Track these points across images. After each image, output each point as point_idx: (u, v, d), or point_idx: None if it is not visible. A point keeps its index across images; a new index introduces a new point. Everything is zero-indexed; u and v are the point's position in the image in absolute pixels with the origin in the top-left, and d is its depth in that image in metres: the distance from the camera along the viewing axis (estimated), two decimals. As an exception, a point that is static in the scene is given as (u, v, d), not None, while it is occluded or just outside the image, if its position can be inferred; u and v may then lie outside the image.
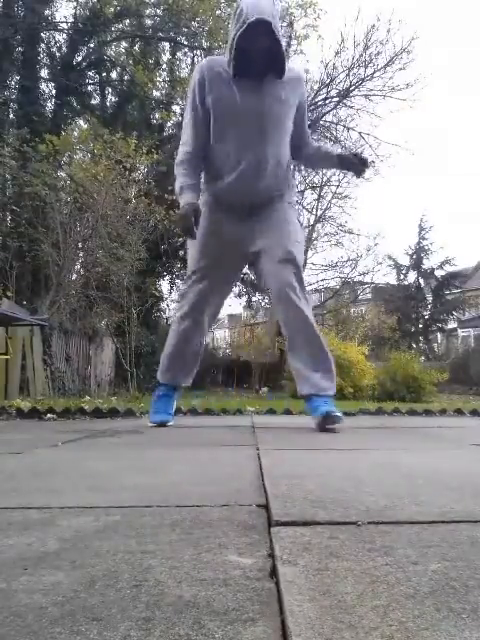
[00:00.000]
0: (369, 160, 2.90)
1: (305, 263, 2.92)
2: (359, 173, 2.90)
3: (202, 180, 2.85)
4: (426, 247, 22.74)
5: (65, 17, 13.51)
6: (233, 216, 2.79)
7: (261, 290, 12.92)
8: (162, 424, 2.80)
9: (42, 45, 12.50)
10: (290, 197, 2.97)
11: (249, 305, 17.44)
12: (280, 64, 2.64)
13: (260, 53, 2.59)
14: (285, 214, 2.82)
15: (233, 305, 23.15)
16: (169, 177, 11.19)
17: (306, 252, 3.04)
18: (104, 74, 13.79)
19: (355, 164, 2.82)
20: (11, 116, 11.62)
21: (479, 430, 3.02)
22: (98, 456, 1.82)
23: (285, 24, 12.13)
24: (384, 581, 0.67)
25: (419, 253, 22.71)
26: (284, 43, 2.72)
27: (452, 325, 23.26)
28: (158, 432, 2.67)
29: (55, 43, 12.91)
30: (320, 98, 12.82)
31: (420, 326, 22.33)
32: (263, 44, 2.56)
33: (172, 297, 13.66)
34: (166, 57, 13.91)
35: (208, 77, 2.66)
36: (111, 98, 14.17)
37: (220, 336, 25.81)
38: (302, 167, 13.11)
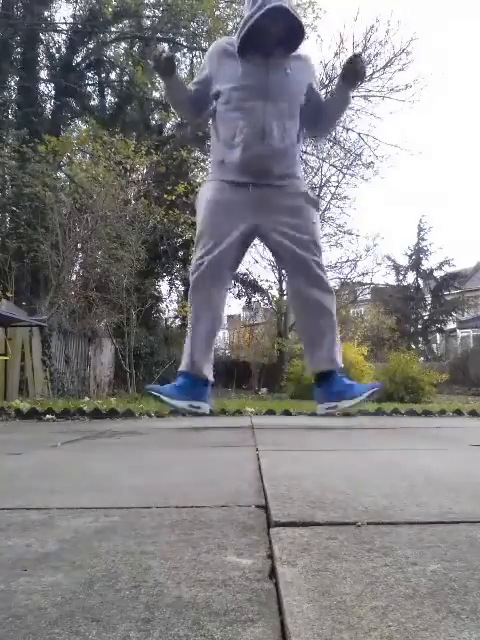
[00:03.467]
0: (358, 56, 2.90)
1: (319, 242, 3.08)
2: (357, 74, 2.90)
3: (211, 165, 3.00)
4: (425, 248, 22.74)
5: (64, 18, 13.55)
6: (240, 196, 2.83)
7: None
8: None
9: (41, 46, 12.50)
10: (300, 179, 3.02)
11: (248, 306, 17.45)
12: (296, 41, 2.76)
13: (273, 34, 2.70)
14: (303, 213, 2.87)
15: (232, 306, 23.16)
16: (169, 178, 11.22)
17: (315, 223, 3.13)
18: (103, 75, 13.80)
19: (349, 69, 2.85)
20: (10, 117, 11.62)
21: (478, 430, 3.02)
22: (97, 457, 1.82)
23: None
24: (383, 582, 0.67)
25: (418, 254, 22.71)
26: (303, 21, 2.83)
27: (451, 326, 23.25)
28: (157, 433, 2.67)
29: (54, 44, 12.92)
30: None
31: (419, 327, 22.33)
32: (278, 28, 2.68)
33: (171, 298, 13.66)
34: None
35: (221, 56, 2.83)
36: (110, 99, 14.17)
37: (219, 337, 25.78)
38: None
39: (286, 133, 2.82)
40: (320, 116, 3.01)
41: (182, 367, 2.89)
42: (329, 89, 13.00)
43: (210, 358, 2.92)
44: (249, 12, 2.64)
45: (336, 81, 2.96)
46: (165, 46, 3.00)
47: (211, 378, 2.91)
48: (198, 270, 2.82)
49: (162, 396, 2.83)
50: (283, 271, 3.09)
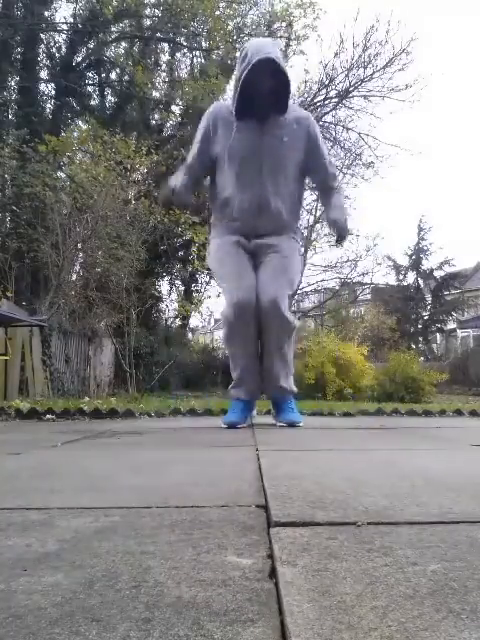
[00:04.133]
0: (347, 235, 3.09)
1: (299, 284, 3.19)
2: (337, 241, 3.07)
3: (213, 220, 3.11)
4: (425, 248, 22.73)
5: (64, 18, 13.55)
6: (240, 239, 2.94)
7: None
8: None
9: (42, 46, 12.50)
10: (296, 233, 3.11)
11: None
12: (284, 101, 2.76)
13: (265, 94, 2.73)
14: (285, 252, 2.94)
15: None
16: (169, 178, 11.21)
17: (304, 262, 3.19)
18: (103, 75, 13.79)
19: (337, 234, 3.00)
20: (11, 117, 11.62)
21: (478, 430, 3.02)
22: (97, 457, 1.82)
23: (285, 24, 12.13)
24: (383, 582, 0.67)
25: (418, 254, 22.70)
26: (289, 74, 2.89)
27: (451, 326, 23.25)
28: (157, 433, 2.67)
29: (54, 44, 12.92)
30: (319, 99, 12.83)
31: (419, 327, 22.33)
32: (268, 84, 2.70)
33: (172, 297, 13.67)
34: (165, 57, 13.92)
35: (214, 120, 2.86)
36: (110, 99, 14.17)
37: (220, 336, 25.80)
38: None
39: (284, 201, 2.89)
40: (326, 197, 3.10)
41: (242, 395, 2.95)
42: (328, 90, 13.01)
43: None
44: (239, 70, 2.68)
45: (332, 214, 3.03)
46: (171, 186, 3.09)
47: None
48: (234, 311, 2.82)
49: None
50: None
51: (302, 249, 3.30)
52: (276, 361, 2.89)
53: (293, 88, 12.77)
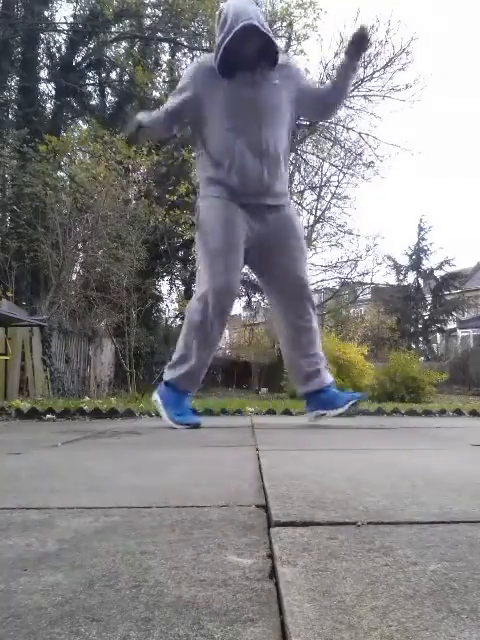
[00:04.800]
0: (364, 30, 2.79)
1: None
2: (361, 47, 2.82)
3: (204, 181, 2.90)
4: (425, 248, 22.71)
5: (65, 18, 13.55)
6: (242, 214, 2.80)
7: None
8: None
9: (42, 46, 12.50)
10: (289, 200, 3.01)
11: (249, 305, 17.46)
12: (272, 55, 2.72)
13: (250, 51, 2.69)
14: (295, 232, 2.91)
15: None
16: (169, 178, 11.22)
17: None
18: (104, 75, 13.79)
19: (355, 43, 2.77)
20: (11, 117, 11.62)
21: (479, 430, 3.02)
22: (97, 457, 1.82)
23: (285, 24, 12.12)
24: (383, 581, 0.67)
25: (418, 253, 22.69)
26: (272, 35, 2.80)
27: (451, 325, 23.24)
28: (157, 433, 2.67)
29: (55, 44, 12.91)
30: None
31: (419, 326, 22.32)
32: (252, 45, 2.66)
33: (172, 297, 13.67)
34: (166, 57, 13.92)
35: (202, 77, 2.77)
36: (111, 98, 14.17)
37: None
38: (301, 167, 13.14)
39: (279, 145, 2.81)
40: (325, 98, 2.96)
41: (172, 379, 2.82)
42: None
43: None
44: (220, 37, 2.62)
45: (342, 55, 2.89)
46: (134, 121, 2.99)
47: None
48: (218, 294, 2.74)
49: (163, 411, 2.83)
50: (267, 286, 3.04)
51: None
52: (317, 345, 2.90)
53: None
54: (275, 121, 2.78)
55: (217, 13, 2.77)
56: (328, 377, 2.96)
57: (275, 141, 2.77)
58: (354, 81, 3.14)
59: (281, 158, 2.83)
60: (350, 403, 2.91)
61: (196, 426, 2.75)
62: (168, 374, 2.86)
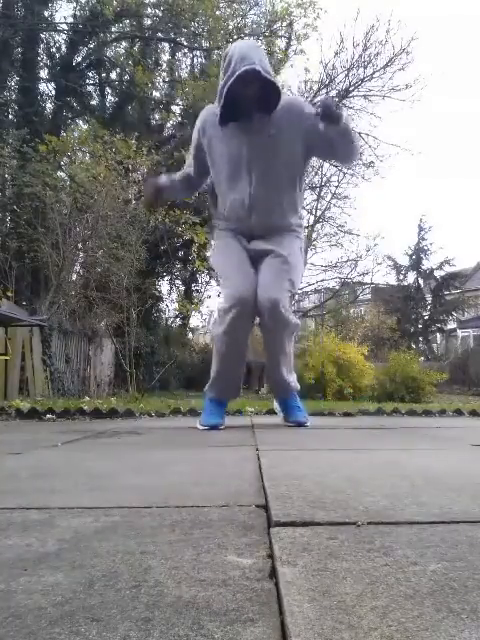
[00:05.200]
0: (332, 106, 2.60)
1: (300, 282, 3.11)
2: (330, 118, 2.59)
3: (214, 219, 3.10)
4: (425, 247, 22.70)
5: (65, 17, 13.54)
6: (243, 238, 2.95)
7: None
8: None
9: (42, 46, 12.47)
10: (296, 228, 3.02)
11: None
12: (273, 101, 2.69)
13: (251, 98, 2.69)
14: (286, 250, 2.88)
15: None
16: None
17: (305, 262, 3.15)
18: (104, 75, 13.77)
19: (324, 114, 2.57)
20: (11, 117, 11.61)
21: (479, 430, 3.02)
22: (97, 457, 1.82)
23: (285, 24, 12.12)
24: (383, 581, 0.67)
25: (418, 253, 22.68)
26: (277, 81, 2.75)
27: (452, 325, 23.23)
28: (157, 433, 2.67)
29: (55, 44, 12.89)
30: (320, 98, 12.82)
31: (420, 326, 22.30)
32: (253, 90, 2.65)
33: (172, 297, 13.67)
34: (166, 57, 13.91)
35: (203, 126, 2.87)
36: (111, 99, 14.16)
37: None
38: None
39: (278, 199, 2.84)
40: (333, 147, 2.84)
41: (214, 394, 2.94)
42: (328, 89, 13.01)
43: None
44: (223, 81, 2.64)
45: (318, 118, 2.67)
46: (154, 183, 3.07)
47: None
48: (235, 307, 2.77)
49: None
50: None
51: (303, 245, 3.18)
52: (279, 361, 2.89)
53: (293, 87, 12.81)
54: (270, 172, 2.80)
55: (222, 56, 2.79)
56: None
57: (270, 192, 2.81)
58: (352, 140, 2.87)
59: (280, 205, 2.86)
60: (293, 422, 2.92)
61: (213, 427, 2.78)
62: (206, 387, 3.01)
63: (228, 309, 2.74)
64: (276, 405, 3.24)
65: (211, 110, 2.90)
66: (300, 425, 2.87)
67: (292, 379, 2.98)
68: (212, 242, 3.12)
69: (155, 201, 3.23)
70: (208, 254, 3.22)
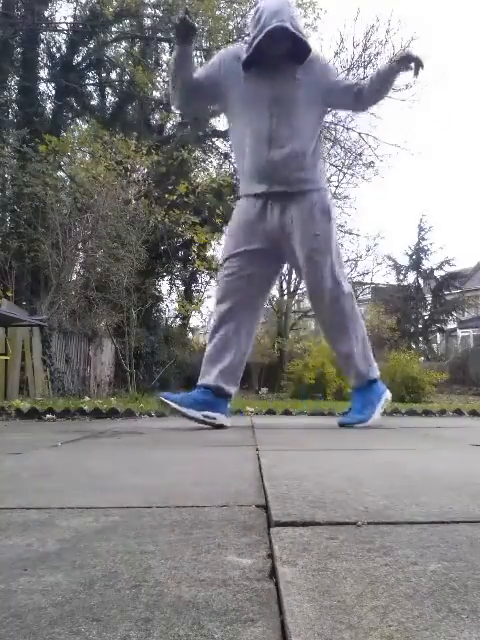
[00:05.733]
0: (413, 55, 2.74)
1: (338, 253, 2.98)
2: (414, 68, 2.73)
3: (237, 167, 3.07)
4: (426, 247, 22.70)
5: (65, 17, 13.52)
6: (266, 213, 2.83)
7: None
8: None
9: (42, 46, 12.47)
10: (318, 181, 2.93)
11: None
12: (303, 54, 2.71)
13: (280, 51, 2.69)
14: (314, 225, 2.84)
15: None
16: (169, 178, 11.21)
17: (335, 218, 3.12)
18: (104, 75, 13.77)
19: (404, 62, 2.72)
20: (11, 117, 11.61)
21: (479, 430, 3.02)
22: (98, 457, 1.82)
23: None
24: (383, 581, 0.67)
25: (418, 253, 22.68)
26: (305, 37, 2.83)
27: (452, 325, 23.24)
28: (157, 433, 2.67)
29: (55, 43, 12.89)
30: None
31: (420, 326, 22.31)
32: (282, 46, 2.66)
33: (172, 297, 13.67)
34: (166, 57, 13.90)
35: (229, 60, 2.80)
36: (111, 99, 14.16)
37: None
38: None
39: (298, 136, 2.79)
40: (359, 99, 2.89)
41: (204, 381, 2.87)
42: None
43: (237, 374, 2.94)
44: (252, 34, 2.65)
45: (384, 68, 2.83)
46: (190, 15, 2.94)
47: (233, 392, 2.95)
48: (225, 285, 2.83)
49: (175, 405, 2.78)
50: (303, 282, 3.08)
51: (328, 203, 2.97)
52: (344, 339, 2.89)
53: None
54: (292, 113, 2.77)
55: (254, 9, 2.79)
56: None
57: (292, 132, 2.77)
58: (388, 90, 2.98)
59: (302, 149, 2.80)
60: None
61: (212, 424, 2.79)
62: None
63: (217, 304, 2.85)
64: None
65: (233, 53, 2.85)
66: (344, 425, 2.87)
67: (364, 367, 2.92)
68: (236, 207, 2.99)
69: (186, 32, 2.82)
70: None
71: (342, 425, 2.87)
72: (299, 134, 2.80)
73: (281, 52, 2.70)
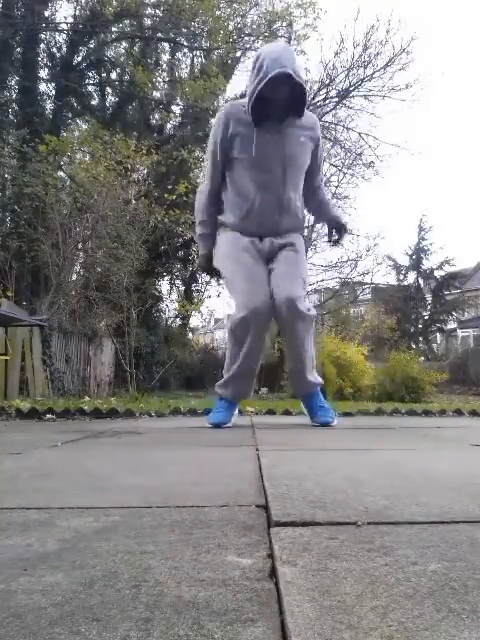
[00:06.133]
0: (347, 231, 3.20)
1: (307, 279, 3.13)
2: (334, 241, 3.16)
3: (223, 215, 3.01)
4: (426, 247, 22.72)
5: (65, 17, 13.51)
6: (254, 240, 2.93)
7: None
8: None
9: (42, 45, 12.47)
10: (302, 228, 3.18)
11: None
12: (300, 106, 2.78)
13: (280, 101, 2.73)
14: (297, 253, 2.97)
15: (233, 306, 23.13)
16: (169, 177, 11.21)
17: (306, 261, 3.34)
18: (104, 74, 13.77)
19: (337, 232, 3.11)
20: (11, 116, 11.61)
21: (479, 430, 3.02)
22: (98, 456, 1.82)
23: (285, 24, 12.13)
24: (383, 581, 0.67)
25: (419, 253, 22.69)
26: (307, 87, 2.93)
27: (452, 325, 23.24)
28: (157, 433, 2.67)
29: (55, 43, 12.89)
30: (320, 98, 12.82)
31: (420, 326, 22.31)
32: (283, 93, 2.70)
33: (172, 297, 13.68)
34: (166, 57, 13.91)
35: (232, 122, 2.82)
36: (111, 98, 14.16)
37: (220, 336, 25.81)
38: None
39: (299, 199, 2.94)
40: (309, 200, 3.12)
41: (224, 394, 2.95)
42: (328, 89, 13.01)
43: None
44: (254, 82, 2.66)
45: (330, 212, 3.20)
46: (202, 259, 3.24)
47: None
48: (249, 310, 2.78)
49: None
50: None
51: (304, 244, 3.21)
52: (300, 357, 2.90)
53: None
54: (296, 173, 2.89)
55: (254, 58, 2.81)
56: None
57: (296, 195, 2.91)
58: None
59: (298, 203, 2.95)
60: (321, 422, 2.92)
61: (216, 425, 2.83)
62: (219, 385, 3.01)
63: (241, 319, 2.76)
64: (302, 405, 3.20)
65: (236, 107, 2.88)
66: (326, 425, 2.87)
67: (314, 377, 2.98)
68: (220, 237, 3.02)
69: (209, 269, 3.13)
70: (215, 250, 3.03)
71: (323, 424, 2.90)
72: (298, 194, 2.94)
73: (283, 100, 2.73)
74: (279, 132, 2.79)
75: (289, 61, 2.65)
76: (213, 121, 2.99)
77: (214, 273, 3.14)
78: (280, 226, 2.91)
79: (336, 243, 3.18)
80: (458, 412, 4.02)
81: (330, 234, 3.17)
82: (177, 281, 14.11)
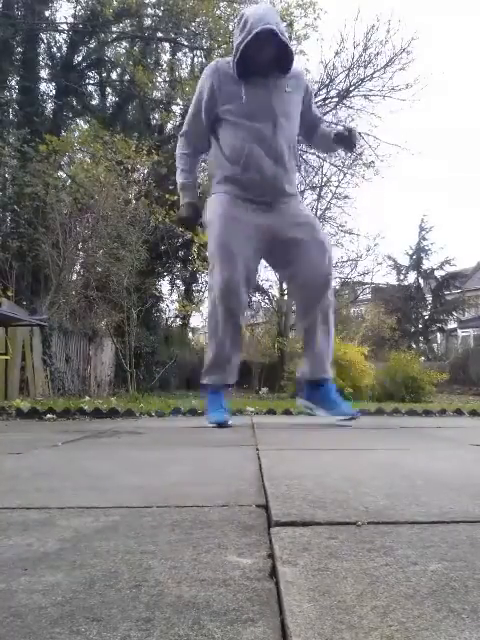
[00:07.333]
0: (356, 135, 3.03)
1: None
2: (349, 147, 3.05)
3: (217, 178, 2.94)
4: (426, 247, 22.73)
5: (65, 17, 13.53)
6: (252, 209, 2.86)
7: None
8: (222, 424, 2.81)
9: (42, 45, 12.49)
10: (295, 190, 3.10)
11: (249, 305, 17.45)
12: (287, 63, 2.79)
13: (266, 57, 2.73)
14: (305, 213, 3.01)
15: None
16: (169, 178, 11.21)
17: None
18: (104, 74, 13.78)
19: (346, 138, 2.96)
20: (11, 116, 11.61)
21: (479, 430, 3.02)
22: (98, 456, 1.82)
23: (285, 24, 12.12)
24: (384, 581, 0.67)
25: (419, 253, 22.70)
26: (291, 44, 2.92)
27: (452, 325, 23.25)
28: (157, 433, 2.67)
29: (55, 43, 12.91)
30: (320, 99, 12.84)
31: (420, 326, 22.32)
32: (269, 51, 2.71)
33: (172, 297, 13.68)
34: (166, 57, 13.92)
35: (219, 77, 2.81)
36: (111, 98, 14.17)
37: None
38: (302, 167, 13.20)
39: (292, 153, 2.91)
40: (312, 137, 3.15)
41: (208, 381, 2.94)
42: (329, 89, 13.02)
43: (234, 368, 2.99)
44: (239, 38, 2.67)
45: (332, 135, 3.04)
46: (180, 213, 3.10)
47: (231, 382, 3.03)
48: (221, 292, 2.79)
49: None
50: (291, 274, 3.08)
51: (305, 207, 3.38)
52: (325, 342, 2.91)
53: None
54: (287, 126, 2.85)
55: (238, 18, 2.83)
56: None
57: (287, 144, 2.86)
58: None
59: (292, 160, 2.93)
60: (342, 418, 2.93)
61: (221, 425, 2.79)
62: (203, 374, 2.99)
63: (221, 298, 2.78)
64: (302, 402, 3.14)
65: (223, 63, 2.87)
66: (352, 419, 2.90)
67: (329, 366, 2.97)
68: (214, 196, 2.92)
69: (195, 221, 3.07)
70: (206, 207, 2.94)
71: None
72: (294, 152, 2.94)
73: (268, 57, 2.73)
74: (265, 86, 2.79)
75: (273, 19, 2.68)
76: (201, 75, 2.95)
77: (193, 228, 3.09)
78: (278, 180, 2.83)
79: (351, 149, 3.11)
80: (458, 412, 4.02)
81: (344, 144, 3.03)
82: (177, 281, 14.15)
